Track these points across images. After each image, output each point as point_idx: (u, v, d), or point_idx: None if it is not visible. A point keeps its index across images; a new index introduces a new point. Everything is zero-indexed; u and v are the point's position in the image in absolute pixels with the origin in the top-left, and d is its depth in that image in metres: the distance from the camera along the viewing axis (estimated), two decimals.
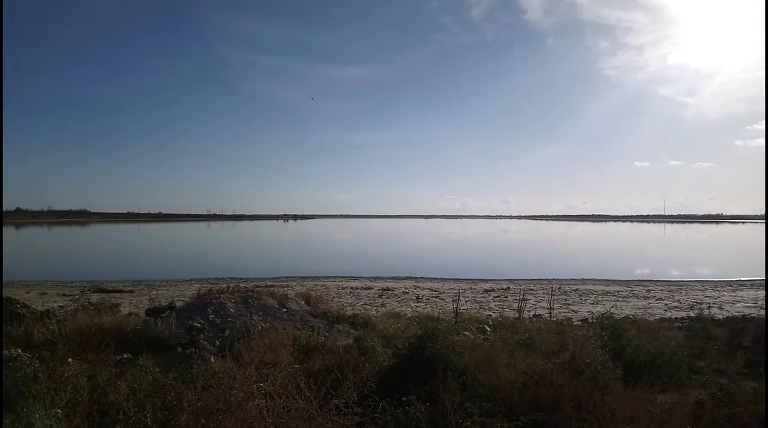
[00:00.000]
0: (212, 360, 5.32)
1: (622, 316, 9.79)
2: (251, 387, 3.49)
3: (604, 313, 8.88)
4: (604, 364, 4.82)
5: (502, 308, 12.47)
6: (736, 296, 15.38)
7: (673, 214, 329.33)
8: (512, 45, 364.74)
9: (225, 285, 9.94)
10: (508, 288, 16.91)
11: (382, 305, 13.12)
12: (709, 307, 12.22)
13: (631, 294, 15.50)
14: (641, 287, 17.56)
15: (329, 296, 12.35)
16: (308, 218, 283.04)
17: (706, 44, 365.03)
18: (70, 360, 4.82)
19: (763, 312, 11.26)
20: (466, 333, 7.57)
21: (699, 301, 13.90)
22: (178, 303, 9.58)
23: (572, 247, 48.67)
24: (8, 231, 71.32)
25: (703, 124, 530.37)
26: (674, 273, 23.96)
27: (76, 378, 3.93)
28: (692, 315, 10.67)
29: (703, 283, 18.97)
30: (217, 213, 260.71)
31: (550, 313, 10.44)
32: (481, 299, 14.40)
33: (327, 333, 6.98)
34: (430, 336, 5.05)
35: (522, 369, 4.95)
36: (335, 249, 44.20)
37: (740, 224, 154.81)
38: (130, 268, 24.18)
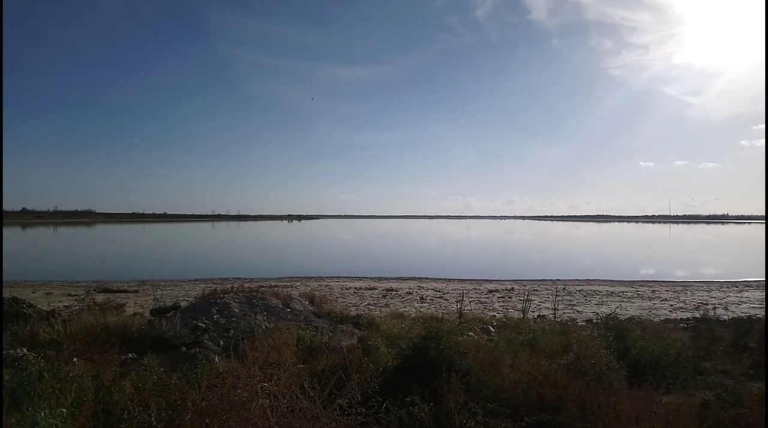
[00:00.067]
0: (216, 360, 5.33)
1: (626, 317, 9.73)
2: (255, 386, 3.50)
3: (609, 314, 8.83)
4: (609, 365, 4.81)
5: (506, 308, 12.42)
6: (741, 297, 15.26)
7: (679, 215, 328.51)
8: (517, 45, 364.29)
9: (229, 286, 9.96)
10: (513, 288, 16.85)
11: (386, 305, 13.11)
12: (715, 308, 12.17)
13: (635, 295, 15.41)
14: (646, 288, 17.47)
15: (333, 296, 12.34)
16: (312, 218, 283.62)
17: (711, 43, 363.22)
18: (75, 359, 4.87)
19: None
20: (470, 333, 7.57)
21: (704, 302, 13.81)
22: (183, 303, 9.63)
23: (577, 248, 48.45)
24: (15, 232, 71.97)
25: (708, 123, 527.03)
26: (679, 274, 23.82)
27: (81, 377, 3.95)
28: (697, 316, 10.62)
29: (708, 284, 18.84)
30: (222, 213, 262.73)
31: (555, 314, 10.41)
32: (485, 299, 14.36)
33: (331, 334, 6.99)
34: (434, 336, 5.04)
35: (526, 370, 4.94)
36: (339, 250, 44.24)
37: (746, 224, 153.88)
38: (135, 268, 24.28)
